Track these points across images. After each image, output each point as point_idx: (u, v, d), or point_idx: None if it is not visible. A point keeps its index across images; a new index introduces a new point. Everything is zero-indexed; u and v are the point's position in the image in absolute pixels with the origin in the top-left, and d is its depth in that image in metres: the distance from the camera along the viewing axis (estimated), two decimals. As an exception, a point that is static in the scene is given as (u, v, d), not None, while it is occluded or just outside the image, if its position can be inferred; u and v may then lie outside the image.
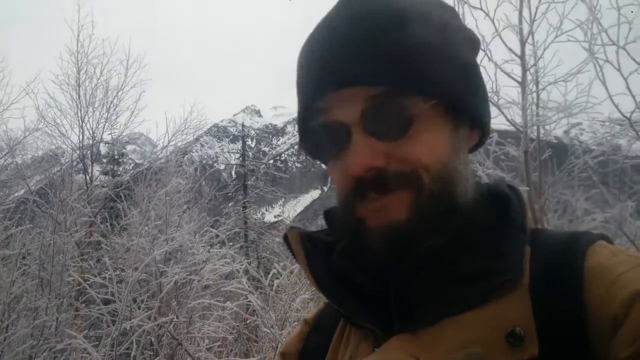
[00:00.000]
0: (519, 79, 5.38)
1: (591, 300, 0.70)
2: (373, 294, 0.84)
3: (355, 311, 0.86)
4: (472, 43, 0.89)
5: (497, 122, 5.55)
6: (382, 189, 0.77)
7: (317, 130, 0.83)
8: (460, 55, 0.84)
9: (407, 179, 0.77)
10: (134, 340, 5.71)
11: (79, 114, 12.05)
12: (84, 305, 8.16)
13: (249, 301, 6.31)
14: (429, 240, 0.78)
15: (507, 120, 5.39)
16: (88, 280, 7.15)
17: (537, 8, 5.28)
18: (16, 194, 12.50)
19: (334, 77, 0.78)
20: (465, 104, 0.83)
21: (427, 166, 0.78)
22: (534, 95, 5.48)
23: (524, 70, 5.37)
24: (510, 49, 5.34)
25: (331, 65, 0.79)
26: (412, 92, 0.77)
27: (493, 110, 5.37)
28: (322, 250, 0.92)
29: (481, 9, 5.35)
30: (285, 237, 0.94)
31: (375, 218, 0.79)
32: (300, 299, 6.48)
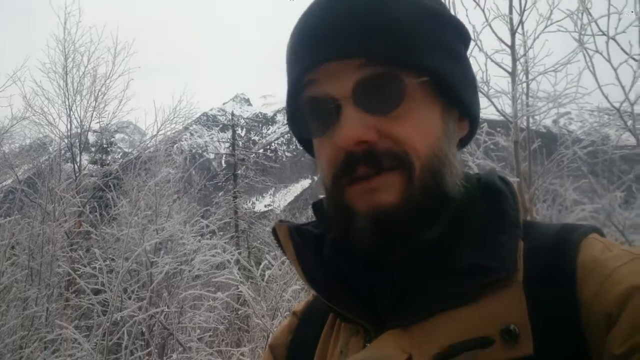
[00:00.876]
0: (509, 69, 5.38)
1: (585, 296, 0.70)
2: (364, 288, 0.83)
3: (347, 306, 0.84)
4: (464, 36, 0.89)
5: (487, 112, 5.57)
6: (372, 164, 0.76)
7: (305, 105, 0.82)
8: (452, 44, 0.85)
9: (398, 159, 0.76)
10: (125, 330, 5.72)
11: (67, 103, 11.93)
12: (74, 295, 8.14)
13: (240, 291, 6.32)
14: (420, 231, 0.77)
15: (497, 110, 5.40)
16: (78, 271, 7.14)
17: (527, -3, 5.28)
18: (4, 183, 12.41)
19: (325, 49, 0.77)
20: (456, 89, 0.83)
21: (418, 151, 0.77)
22: (524, 85, 5.50)
23: (514, 60, 5.38)
24: (500, 39, 5.35)
25: (323, 36, 0.78)
26: (405, 67, 0.77)
27: (483, 101, 5.37)
28: (311, 243, 0.90)
29: (472, -3, 5.35)
30: (274, 232, 0.92)
31: (364, 200, 0.77)
32: (291, 290, 6.49)
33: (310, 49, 0.80)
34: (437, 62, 0.79)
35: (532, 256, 0.77)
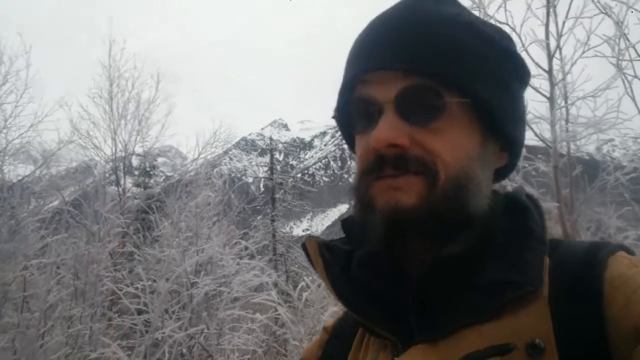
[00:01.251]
0: (547, 94, 5.36)
1: (612, 311, 0.71)
2: (392, 303, 0.84)
3: (375, 321, 0.85)
4: (522, 74, 0.92)
5: (526, 137, 5.52)
6: (400, 167, 0.79)
7: (353, 103, 0.87)
8: (506, 77, 0.87)
9: (425, 166, 0.79)
10: (166, 350, 5.81)
11: (112, 127, 12.32)
12: (116, 315, 8.30)
13: (278, 314, 6.35)
14: (436, 241, 0.79)
15: (536, 134, 5.36)
16: (121, 290, 7.31)
17: (564, 23, 5.27)
18: (50, 205, 12.77)
19: (377, 58, 0.83)
20: (499, 119, 0.85)
21: (446, 163, 0.79)
22: (563, 110, 5.46)
23: (552, 85, 5.34)
24: (537, 64, 5.34)
25: (377, 47, 0.84)
26: (447, 85, 0.80)
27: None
28: (340, 259, 0.91)
29: (507, 23, 5.37)
30: (304, 247, 0.94)
31: (384, 196, 0.80)
32: (329, 313, 6.49)
33: (365, 56, 0.86)
34: (483, 89, 0.82)
35: (558, 272, 0.78)
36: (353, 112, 0.88)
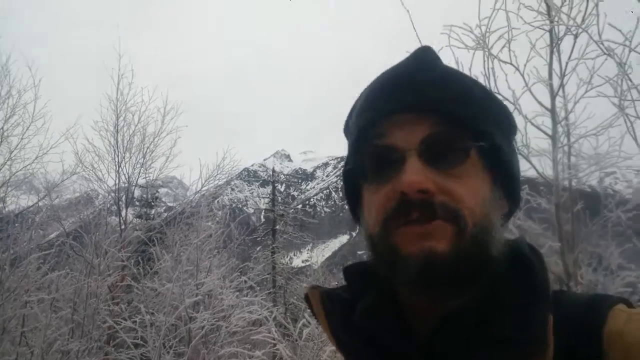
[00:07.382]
0: (550, 132, 5.37)
1: None
2: (397, 355, 0.82)
3: None
4: (514, 125, 0.96)
5: (529, 173, 5.52)
6: (427, 212, 0.78)
7: (370, 152, 0.86)
8: (507, 128, 0.92)
9: (452, 213, 0.78)
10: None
11: (116, 159, 12.37)
12: (113, 349, 8.21)
13: (276, 349, 6.27)
14: (464, 286, 0.78)
15: (539, 173, 5.36)
16: (120, 324, 7.24)
17: (567, 63, 5.30)
18: (51, 236, 12.73)
19: (400, 100, 0.84)
20: (508, 162, 0.88)
21: (471, 209, 0.80)
22: (566, 148, 5.46)
23: (555, 123, 5.35)
24: (540, 103, 5.35)
25: (398, 89, 0.86)
26: (470, 131, 0.83)
27: (524, 163, 5.36)
28: (342, 308, 0.90)
29: (511, 63, 5.40)
30: (307, 297, 0.94)
31: (416, 244, 0.78)
32: (329, 350, 6.42)
33: (383, 100, 0.86)
34: (497, 136, 0.85)
35: (561, 330, 0.78)
36: (367, 162, 0.86)
